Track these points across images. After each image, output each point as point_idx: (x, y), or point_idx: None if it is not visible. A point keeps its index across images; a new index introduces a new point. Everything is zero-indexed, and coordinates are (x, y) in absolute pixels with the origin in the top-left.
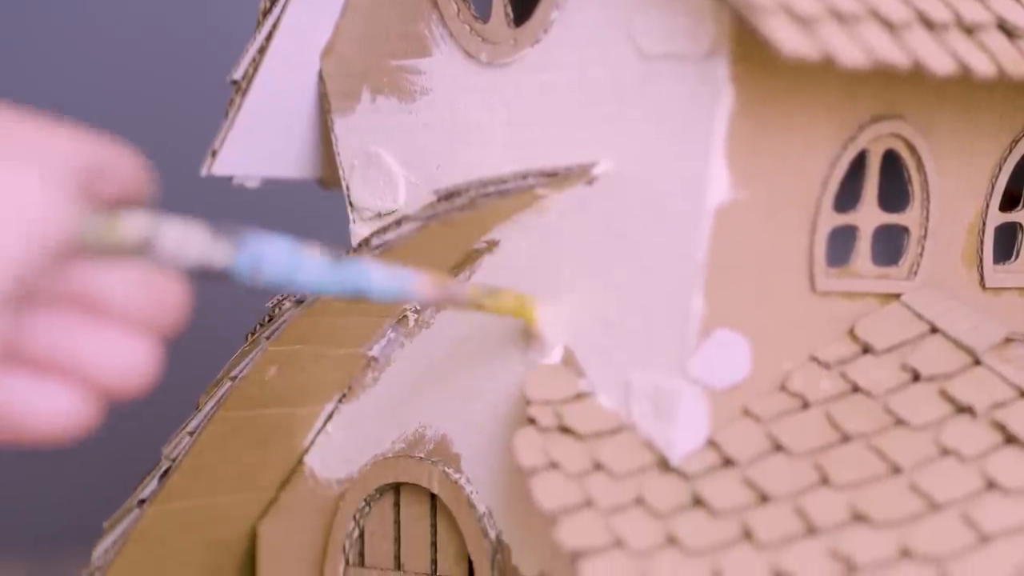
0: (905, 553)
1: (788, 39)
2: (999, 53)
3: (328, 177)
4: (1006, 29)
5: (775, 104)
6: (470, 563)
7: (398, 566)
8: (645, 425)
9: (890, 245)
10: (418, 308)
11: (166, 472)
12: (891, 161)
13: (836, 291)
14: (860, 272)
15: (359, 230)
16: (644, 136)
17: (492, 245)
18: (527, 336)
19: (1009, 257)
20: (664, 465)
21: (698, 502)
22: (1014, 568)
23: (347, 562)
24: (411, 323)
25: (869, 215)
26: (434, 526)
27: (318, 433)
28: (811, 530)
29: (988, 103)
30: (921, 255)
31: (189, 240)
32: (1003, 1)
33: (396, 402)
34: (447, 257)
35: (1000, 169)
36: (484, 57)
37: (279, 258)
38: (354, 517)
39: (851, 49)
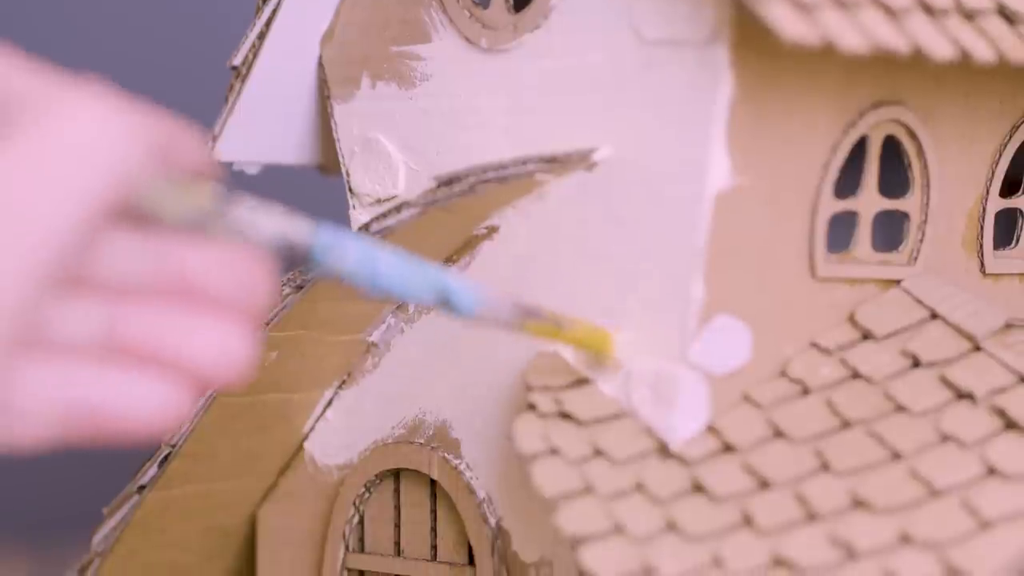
0: (905, 539)
1: (788, 24)
2: (999, 39)
3: (328, 163)
4: (1006, 15)
5: (775, 90)
6: (470, 549)
7: (398, 552)
8: (645, 411)
9: (890, 231)
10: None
11: (166, 458)
12: (891, 147)
13: (836, 277)
14: (860, 258)
15: (359, 216)
16: (644, 122)
17: (492, 231)
18: (598, 363)
19: (1009, 243)
20: (664, 451)
21: (698, 488)
22: (1014, 554)
23: (347, 548)
24: (411, 309)
25: (869, 201)
26: (434, 512)
27: (318, 419)
28: (811, 516)
29: (988, 89)
30: (921, 241)
31: (265, 216)
32: None
33: (396, 388)
34: (447, 243)
35: (1000, 155)
36: (484, 43)
37: (359, 247)
38: (354, 503)
39: (851, 35)
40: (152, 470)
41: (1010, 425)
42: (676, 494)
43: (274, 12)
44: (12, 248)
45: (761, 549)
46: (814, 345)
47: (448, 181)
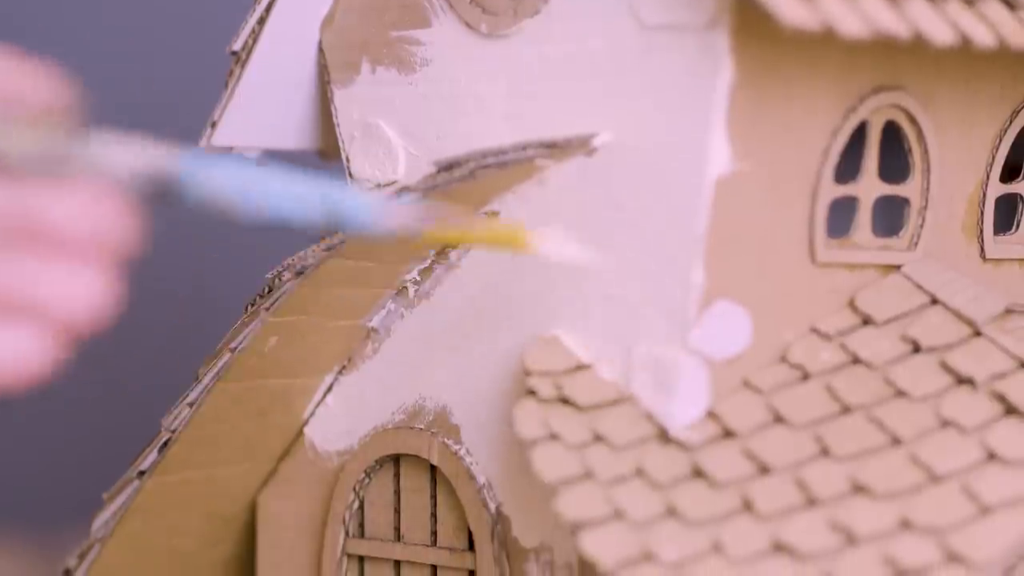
0: (905, 524)
1: (789, 10)
2: (1000, 24)
3: (328, 148)
4: (1006, 0)
5: (775, 75)
6: (470, 534)
7: (398, 537)
8: (645, 396)
9: (891, 216)
10: (417, 280)
11: (166, 444)
12: (891, 132)
13: (836, 262)
14: (860, 243)
15: None
16: (644, 107)
17: (492, 216)
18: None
19: (1009, 228)
20: (664, 436)
21: (698, 473)
22: (1015, 539)
23: (347, 533)
24: (411, 294)
25: (869, 186)
26: (434, 497)
27: (318, 405)
28: (811, 501)
29: (989, 74)
30: (921, 226)
31: (123, 149)
32: None
33: (396, 373)
34: None
35: (1001, 140)
36: (484, 28)
37: (230, 169)
38: (354, 488)
39: (852, 20)
40: (152, 455)
41: (1010, 410)
42: (676, 479)
43: None
44: None
45: (761, 534)
46: (814, 330)
47: (448, 166)
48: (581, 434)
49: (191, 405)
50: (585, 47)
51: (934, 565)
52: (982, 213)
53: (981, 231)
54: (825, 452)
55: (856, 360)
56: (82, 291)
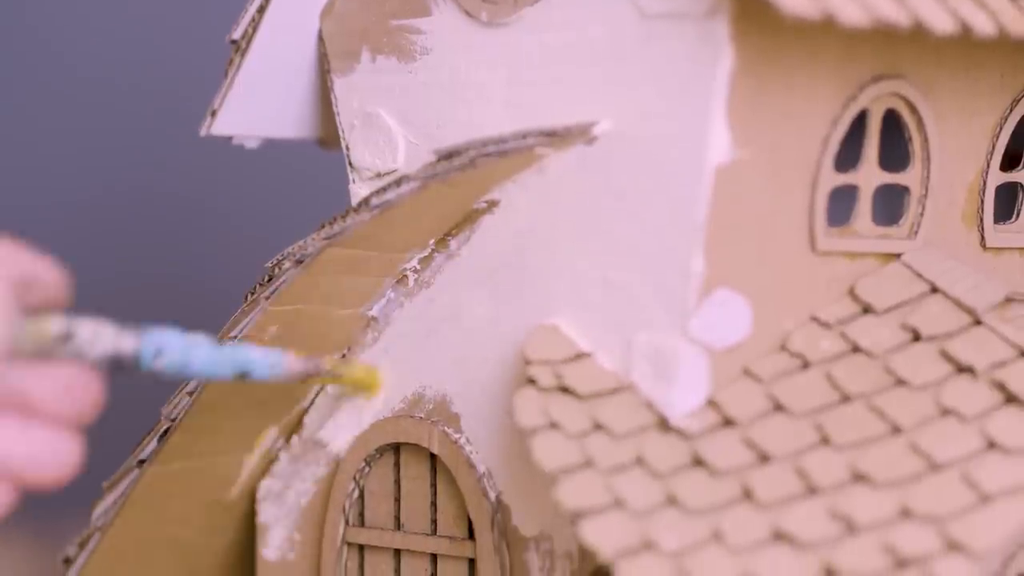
0: (905, 513)
1: None
2: (1000, 12)
3: (328, 137)
4: None
5: (776, 63)
6: (470, 523)
7: (398, 526)
8: (645, 385)
9: (891, 205)
10: (417, 269)
11: (166, 432)
12: (892, 121)
13: (837, 251)
14: (861, 232)
15: (359, 190)
16: (644, 95)
17: (492, 205)
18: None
19: (1009, 217)
20: (664, 425)
21: (698, 462)
22: (1014, 528)
23: (347, 522)
24: (411, 283)
25: (870, 174)
26: (434, 486)
27: (318, 393)
28: (811, 490)
29: (989, 62)
30: (922, 215)
31: (101, 335)
32: None
33: (395, 362)
34: (447, 217)
35: (1001, 128)
36: (484, 16)
37: (175, 345)
38: (354, 477)
39: (852, 8)
40: (152, 444)
41: (1010, 399)
42: (676, 468)
43: None
44: None
45: (761, 523)
46: (814, 319)
47: (448, 155)
48: (581, 423)
49: (191, 394)
50: (585, 35)
51: (934, 553)
52: (982, 202)
53: (981, 220)
54: (825, 441)
55: (856, 349)
56: (49, 452)
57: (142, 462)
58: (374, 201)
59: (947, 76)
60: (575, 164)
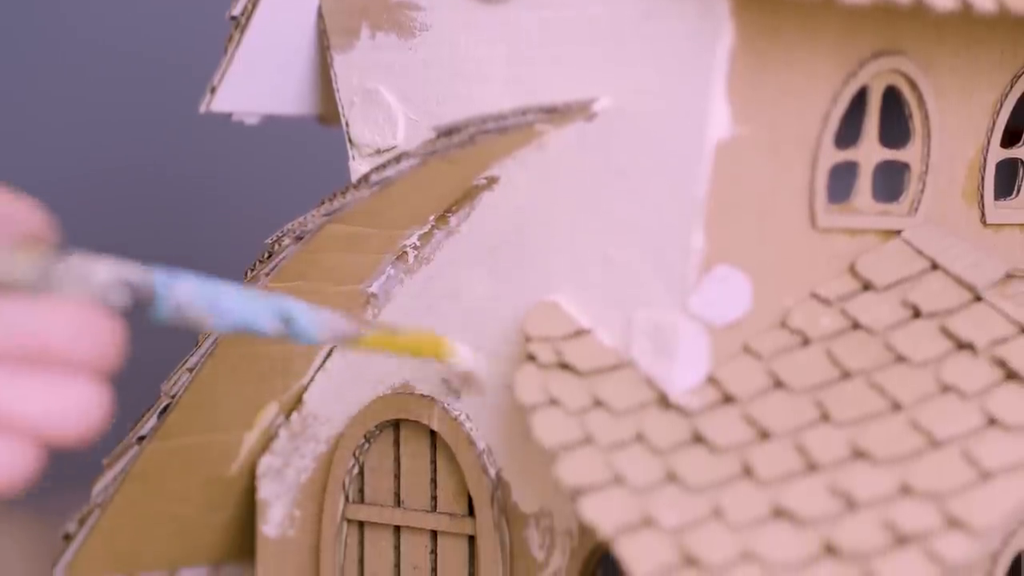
0: (905, 489)
1: None
2: None
3: (327, 114)
4: None
5: (776, 40)
6: (470, 500)
7: (398, 502)
8: (645, 362)
9: (891, 181)
10: (417, 245)
11: (165, 409)
12: (892, 97)
13: (837, 227)
14: (861, 208)
15: (358, 167)
16: (644, 72)
17: (492, 181)
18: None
19: (1010, 193)
20: (664, 402)
21: (698, 439)
22: (1015, 504)
23: (347, 498)
24: (410, 260)
25: (870, 151)
26: (434, 463)
27: (318, 370)
28: (811, 467)
29: (989, 39)
30: (922, 191)
31: (101, 265)
32: None
33: None
34: (447, 194)
35: (1001, 105)
36: None
37: (197, 284)
38: (354, 454)
39: None
40: (152, 421)
41: (1011, 376)
42: (676, 445)
43: None
44: None
45: (761, 499)
46: (814, 295)
47: (448, 131)
48: (581, 399)
49: (191, 370)
50: (585, 12)
51: (934, 530)
52: (982, 178)
53: (981, 196)
54: (825, 417)
55: (856, 325)
56: (70, 404)
57: (142, 439)
58: (374, 178)
59: (947, 53)
60: (575, 141)
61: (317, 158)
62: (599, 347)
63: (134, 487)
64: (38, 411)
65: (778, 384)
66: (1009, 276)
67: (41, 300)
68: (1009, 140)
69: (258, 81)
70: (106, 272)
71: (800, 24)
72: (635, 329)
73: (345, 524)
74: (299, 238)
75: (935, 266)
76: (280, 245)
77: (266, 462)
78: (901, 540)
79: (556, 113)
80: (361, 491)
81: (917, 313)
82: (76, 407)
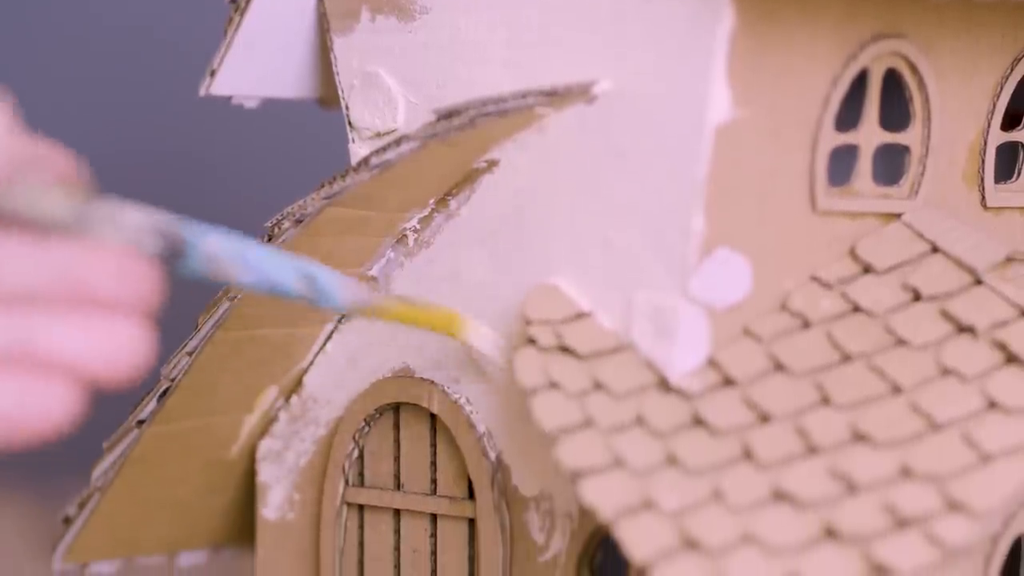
0: (906, 472)
1: None
2: None
3: (327, 96)
4: None
5: (776, 22)
6: (470, 483)
7: (398, 486)
8: (645, 344)
9: (891, 164)
10: (417, 228)
11: (165, 392)
12: (892, 80)
13: (837, 210)
14: (861, 191)
15: (358, 150)
16: (644, 54)
17: (492, 164)
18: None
19: (1010, 176)
20: (664, 385)
21: (698, 422)
22: (1015, 487)
23: (347, 482)
24: (411, 243)
25: (870, 134)
26: (434, 446)
27: (318, 353)
28: (811, 449)
29: (989, 22)
30: (922, 174)
31: (135, 212)
32: None
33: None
34: (447, 177)
35: (1001, 88)
36: None
37: (225, 240)
38: (354, 437)
39: None
40: (152, 404)
41: (1011, 359)
42: (676, 427)
43: None
44: None
45: (761, 482)
46: (815, 278)
47: (448, 114)
48: (581, 382)
49: (190, 354)
50: None
51: (934, 513)
52: (983, 161)
53: (982, 179)
54: (825, 400)
55: (856, 308)
56: (111, 347)
57: (141, 422)
58: (374, 161)
59: (948, 35)
60: (575, 124)
61: (317, 141)
62: (599, 330)
63: (134, 471)
64: (84, 353)
65: (778, 367)
66: (1009, 259)
67: (81, 243)
68: (1009, 123)
69: (258, 64)
70: (141, 219)
71: (800, 7)
72: (635, 312)
73: (345, 507)
74: (299, 221)
75: (935, 249)
76: (280, 228)
77: (266, 445)
78: (901, 523)
79: (556, 96)
80: (361, 474)
81: (917, 296)
82: (121, 348)
